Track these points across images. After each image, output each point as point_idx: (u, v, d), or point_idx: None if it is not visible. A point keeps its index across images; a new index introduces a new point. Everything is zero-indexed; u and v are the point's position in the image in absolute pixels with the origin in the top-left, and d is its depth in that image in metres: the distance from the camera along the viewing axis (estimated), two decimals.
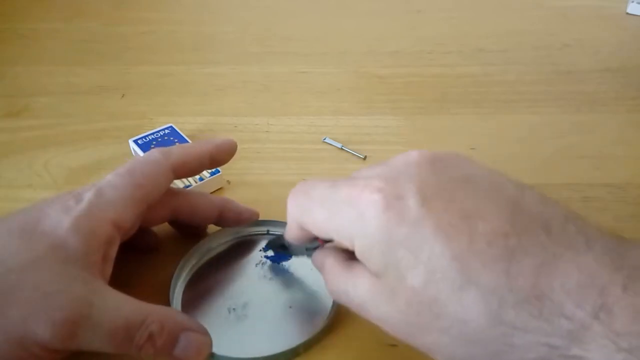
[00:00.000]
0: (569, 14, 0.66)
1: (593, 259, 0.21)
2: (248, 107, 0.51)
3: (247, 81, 0.54)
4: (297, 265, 0.36)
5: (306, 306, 0.33)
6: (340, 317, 0.32)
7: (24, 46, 0.60)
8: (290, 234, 0.30)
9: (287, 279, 0.35)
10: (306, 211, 0.28)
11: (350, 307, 0.27)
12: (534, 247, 0.22)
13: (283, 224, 0.37)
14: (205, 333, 0.28)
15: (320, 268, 0.30)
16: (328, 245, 0.31)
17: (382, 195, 0.24)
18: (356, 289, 0.26)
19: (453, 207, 0.23)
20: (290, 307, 0.33)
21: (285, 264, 0.36)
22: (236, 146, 0.36)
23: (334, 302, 0.33)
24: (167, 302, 0.33)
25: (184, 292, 0.34)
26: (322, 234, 0.27)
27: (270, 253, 0.36)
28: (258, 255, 0.36)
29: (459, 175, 0.25)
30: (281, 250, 0.35)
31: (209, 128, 0.48)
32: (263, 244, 0.37)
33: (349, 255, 0.28)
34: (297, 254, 0.35)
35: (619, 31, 0.62)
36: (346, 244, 0.26)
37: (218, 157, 0.35)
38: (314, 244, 0.32)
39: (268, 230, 0.38)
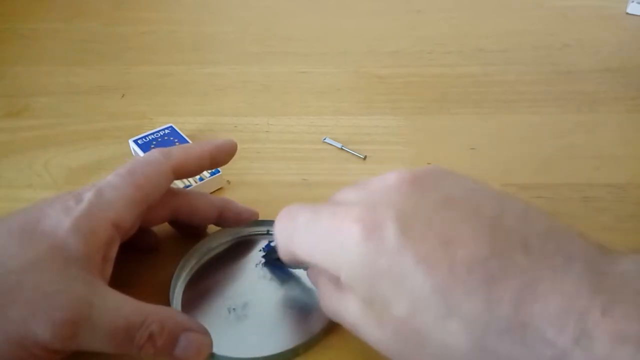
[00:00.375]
0: (569, 14, 0.66)
1: (571, 282, 0.21)
2: (248, 107, 0.51)
3: (247, 81, 0.54)
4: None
5: (306, 306, 0.33)
6: (340, 327, 0.32)
7: (24, 46, 0.60)
8: (283, 256, 0.30)
9: (287, 279, 0.35)
10: (292, 240, 0.28)
11: (344, 325, 0.27)
12: (514, 269, 0.22)
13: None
14: (206, 333, 0.28)
15: (314, 284, 0.31)
16: None
17: (362, 225, 0.24)
18: (348, 312, 0.26)
19: (432, 234, 0.23)
20: (290, 307, 0.33)
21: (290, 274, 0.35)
22: (236, 147, 0.36)
23: None
24: (167, 302, 0.33)
25: (184, 292, 0.34)
26: (309, 260, 0.28)
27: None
28: (258, 256, 0.36)
29: (437, 198, 0.25)
30: (277, 262, 0.35)
31: (209, 128, 0.48)
32: (263, 243, 0.37)
33: None
34: (292, 267, 0.35)
35: (619, 31, 0.62)
36: (332, 272, 0.26)
37: (218, 158, 0.35)
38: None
39: (268, 230, 0.38)
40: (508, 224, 0.23)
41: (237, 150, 0.36)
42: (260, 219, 0.37)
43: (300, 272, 0.35)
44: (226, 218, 0.36)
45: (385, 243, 0.23)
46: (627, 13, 0.65)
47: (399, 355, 0.25)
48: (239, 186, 0.43)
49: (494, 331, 0.21)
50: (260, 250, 0.37)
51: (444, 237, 0.23)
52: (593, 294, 0.21)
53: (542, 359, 0.21)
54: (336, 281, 0.27)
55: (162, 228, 0.37)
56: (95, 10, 0.67)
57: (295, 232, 0.28)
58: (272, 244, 0.37)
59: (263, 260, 0.36)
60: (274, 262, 0.35)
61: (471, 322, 0.22)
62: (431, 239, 0.23)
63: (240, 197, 0.38)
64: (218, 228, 0.37)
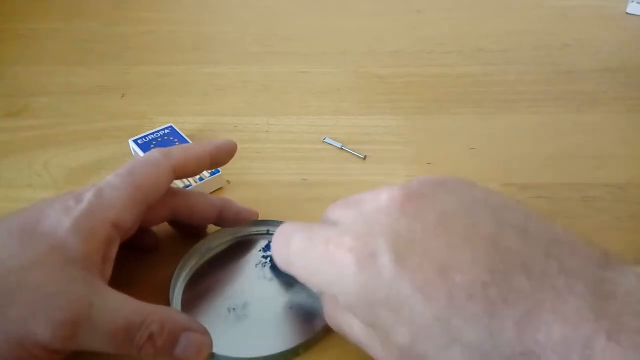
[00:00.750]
0: (569, 14, 0.66)
1: (575, 306, 0.21)
2: (248, 107, 0.51)
3: (247, 81, 0.54)
4: None
5: (306, 307, 0.33)
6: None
7: (24, 46, 0.60)
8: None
9: (287, 279, 0.35)
10: (288, 263, 0.29)
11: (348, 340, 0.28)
12: (515, 295, 0.21)
13: (282, 224, 0.37)
14: (206, 333, 0.28)
15: (320, 295, 0.31)
16: None
17: (355, 255, 0.24)
18: (352, 331, 0.26)
19: (428, 261, 0.23)
20: (291, 307, 0.33)
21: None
22: (236, 147, 0.36)
23: None
24: (167, 302, 0.33)
25: (184, 292, 0.34)
26: (309, 284, 0.28)
27: (270, 252, 0.36)
28: (258, 256, 0.36)
29: (431, 218, 0.24)
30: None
31: (209, 128, 0.48)
32: (263, 244, 0.37)
33: None
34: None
35: (619, 31, 0.62)
36: (332, 298, 0.26)
37: (218, 158, 0.35)
38: None
39: (268, 230, 0.38)
40: (507, 243, 0.23)
41: (237, 150, 0.36)
42: (260, 219, 0.37)
43: None
44: (226, 218, 0.36)
45: (381, 273, 0.23)
46: (627, 13, 0.65)
47: None
48: (239, 186, 0.43)
49: (497, 359, 0.21)
50: (260, 251, 0.37)
51: (441, 264, 0.22)
52: (597, 318, 0.20)
53: None
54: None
55: (162, 228, 0.37)
56: (95, 10, 0.67)
57: (290, 257, 0.28)
58: (272, 243, 0.37)
59: (269, 263, 0.36)
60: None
61: (474, 349, 0.21)
62: (427, 266, 0.22)
63: (240, 197, 0.38)
64: (218, 228, 0.37)
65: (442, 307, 0.22)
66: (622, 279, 0.22)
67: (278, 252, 0.30)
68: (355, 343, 0.27)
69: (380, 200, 0.26)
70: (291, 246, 0.28)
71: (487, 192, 0.26)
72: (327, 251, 0.25)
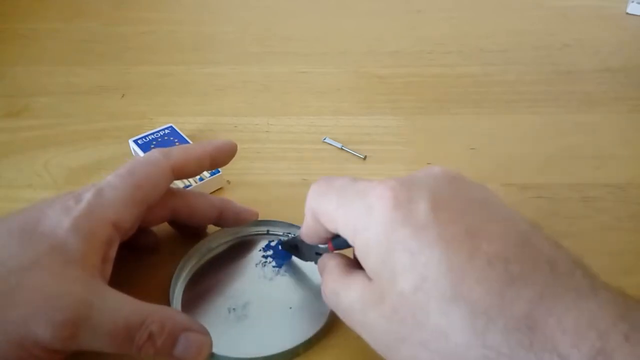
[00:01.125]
0: (569, 14, 0.66)
1: (596, 305, 0.20)
2: (248, 107, 0.51)
3: (247, 81, 0.54)
4: (298, 265, 0.36)
5: (306, 306, 0.33)
6: (339, 325, 0.32)
7: (24, 46, 0.60)
8: (305, 228, 0.30)
9: (288, 280, 0.35)
10: (322, 197, 0.28)
11: (337, 312, 0.28)
12: (536, 279, 0.21)
13: (283, 224, 0.37)
14: (206, 333, 0.28)
15: (321, 271, 0.30)
16: (336, 252, 0.31)
17: (394, 194, 0.24)
18: (348, 292, 0.26)
19: (461, 222, 0.23)
20: (290, 307, 0.33)
21: (286, 264, 0.36)
22: (236, 148, 0.36)
23: None
24: (167, 302, 0.33)
25: (184, 292, 0.34)
26: (330, 223, 0.28)
27: (270, 252, 0.36)
28: (258, 255, 0.36)
29: (475, 197, 0.25)
30: (293, 251, 0.35)
31: (209, 128, 0.48)
32: (263, 244, 0.37)
33: (351, 264, 0.28)
34: (307, 258, 0.35)
35: (619, 31, 0.62)
36: (349, 236, 0.26)
37: (218, 159, 0.35)
38: (324, 249, 0.32)
39: (268, 231, 0.38)
40: (538, 243, 0.23)
41: (237, 150, 0.36)
42: (260, 219, 0.37)
43: (300, 273, 0.35)
44: (226, 218, 0.36)
45: (413, 216, 0.23)
46: (627, 13, 0.65)
47: (387, 342, 0.24)
48: (239, 186, 0.43)
49: (499, 327, 0.21)
50: (260, 250, 0.37)
51: (473, 229, 0.23)
52: (617, 319, 0.20)
53: None
54: (346, 265, 0.28)
55: (162, 228, 0.37)
56: (95, 10, 0.67)
57: (328, 191, 0.28)
58: (272, 243, 0.37)
59: (266, 249, 0.36)
60: (290, 251, 0.36)
61: (477, 311, 0.21)
62: (459, 226, 0.23)
63: (240, 197, 0.38)
64: (218, 228, 0.37)
65: (460, 261, 0.22)
66: None
67: (316, 188, 0.29)
68: (342, 312, 0.27)
69: (433, 169, 0.27)
70: (334, 182, 0.28)
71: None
72: (368, 187, 0.25)
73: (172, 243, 0.38)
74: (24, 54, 0.59)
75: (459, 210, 0.24)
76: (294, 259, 0.36)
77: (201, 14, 0.67)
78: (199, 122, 0.49)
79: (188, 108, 0.51)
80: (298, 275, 0.35)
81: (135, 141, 0.44)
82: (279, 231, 0.38)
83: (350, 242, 0.27)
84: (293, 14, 0.67)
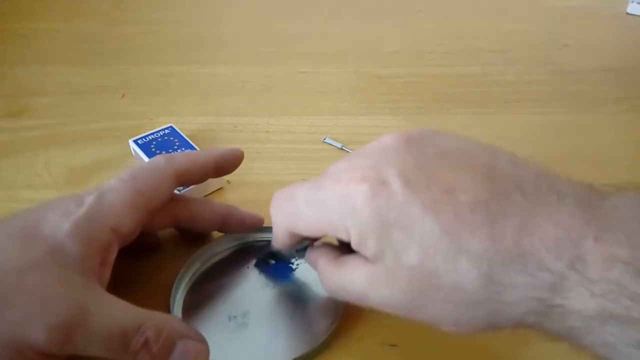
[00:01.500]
0: (569, 14, 0.66)
1: (567, 214, 0.23)
2: (248, 107, 0.51)
3: (247, 81, 0.54)
4: (301, 275, 0.35)
5: (308, 317, 0.32)
6: (341, 330, 0.32)
7: (24, 46, 0.60)
8: (280, 242, 0.30)
9: (290, 288, 0.34)
10: (295, 216, 0.28)
11: (349, 301, 0.28)
12: (513, 208, 0.24)
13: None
14: (203, 341, 0.28)
15: (314, 267, 0.30)
16: (317, 242, 0.31)
17: (368, 184, 0.25)
18: (353, 283, 0.27)
19: (434, 184, 0.25)
20: (292, 317, 0.32)
21: (290, 274, 0.35)
22: (242, 156, 0.36)
23: (335, 315, 0.32)
24: (167, 307, 0.32)
25: (186, 298, 0.33)
26: (315, 233, 0.28)
27: (272, 262, 0.36)
28: (262, 263, 0.36)
29: (433, 152, 0.26)
30: (271, 259, 0.35)
31: (209, 128, 0.48)
32: (268, 250, 0.36)
33: (339, 251, 0.29)
34: (286, 259, 0.35)
35: (619, 31, 0.62)
36: (342, 236, 0.26)
37: (223, 166, 0.35)
38: (303, 245, 0.32)
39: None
40: (501, 171, 0.25)
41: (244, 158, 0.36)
42: (265, 224, 0.37)
43: (303, 283, 0.35)
44: (230, 225, 0.36)
45: (393, 197, 0.24)
46: (627, 13, 0.65)
47: (411, 307, 0.25)
48: (239, 186, 0.43)
49: (499, 263, 0.23)
50: (257, 266, 0.36)
51: (446, 185, 0.24)
52: (586, 223, 0.23)
53: (543, 284, 0.22)
54: (336, 257, 0.28)
55: (165, 231, 0.37)
56: (95, 10, 0.67)
57: (297, 209, 0.28)
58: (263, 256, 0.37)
59: (257, 264, 0.36)
60: (267, 261, 0.35)
61: (478, 258, 0.23)
62: (434, 188, 0.24)
63: (240, 197, 0.38)
64: (223, 234, 0.37)
65: (449, 221, 0.24)
66: (607, 198, 0.24)
67: (281, 210, 0.29)
68: (356, 298, 0.27)
69: (384, 141, 0.28)
70: (296, 198, 0.28)
71: (476, 139, 0.28)
72: (339, 187, 0.26)
73: (175, 246, 0.37)
74: (24, 54, 0.59)
75: (427, 173, 0.25)
76: (296, 272, 0.35)
77: (201, 14, 0.67)
78: (199, 122, 0.49)
79: (188, 108, 0.51)
80: (301, 283, 0.34)
81: (135, 141, 0.44)
82: None
83: (345, 240, 0.27)
84: (293, 14, 0.67)
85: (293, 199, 0.28)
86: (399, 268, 0.25)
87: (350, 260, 0.27)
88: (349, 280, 0.27)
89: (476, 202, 0.24)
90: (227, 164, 0.35)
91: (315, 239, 0.31)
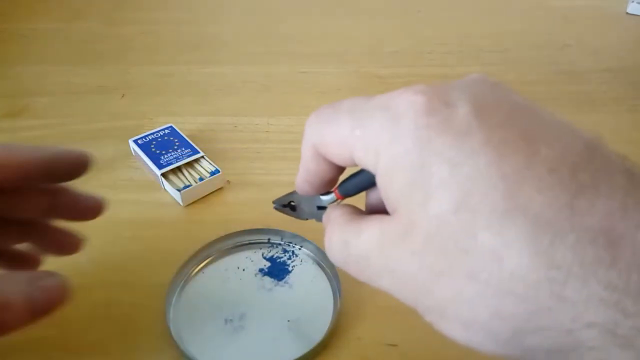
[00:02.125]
0: (569, 14, 0.66)
1: None
2: (248, 107, 0.51)
3: (247, 81, 0.54)
4: (297, 277, 0.35)
5: (304, 321, 0.32)
6: (341, 330, 0.32)
7: (24, 46, 0.60)
8: (304, 173, 0.25)
9: (287, 291, 0.34)
10: (329, 123, 0.22)
11: (346, 265, 0.22)
12: (613, 190, 0.17)
13: (285, 233, 0.37)
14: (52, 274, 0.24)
15: (326, 224, 0.24)
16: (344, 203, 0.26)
17: (427, 97, 0.19)
18: (359, 237, 0.21)
19: (511, 126, 0.18)
20: (289, 320, 0.32)
21: (286, 276, 0.35)
22: (89, 162, 0.29)
23: (332, 318, 0.32)
24: (163, 307, 0.32)
25: (181, 299, 0.33)
26: (342, 152, 0.22)
27: (268, 264, 0.36)
28: (258, 265, 0.36)
29: (524, 104, 0.20)
30: (288, 209, 0.30)
31: (209, 128, 0.48)
32: (264, 252, 0.36)
33: (362, 212, 0.24)
34: (307, 216, 0.29)
35: (619, 31, 0.62)
36: (369, 161, 0.20)
37: (57, 170, 0.28)
38: (326, 200, 0.27)
39: (269, 239, 0.37)
40: (607, 152, 0.19)
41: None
42: (261, 225, 0.37)
43: (300, 285, 0.34)
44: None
45: (452, 120, 0.18)
46: (627, 13, 0.65)
47: (418, 284, 0.19)
48: (239, 186, 0.43)
49: (570, 242, 0.17)
50: (257, 266, 0.35)
51: (526, 132, 0.18)
52: None
53: (633, 288, 0.16)
54: (355, 213, 0.23)
55: (162, 236, 0.37)
56: (95, 10, 0.67)
57: (336, 115, 0.22)
58: (265, 255, 0.36)
59: (266, 265, 0.35)
60: (285, 210, 0.30)
61: (540, 224, 0.17)
62: (510, 128, 0.18)
63: (240, 197, 0.38)
64: (220, 235, 0.37)
65: (515, 168, 0.17)
66: None
67: (318, 116, 0.23)
68: (354, 263, 0.22)
69: (469, 76, 0.22)
70: (341, 105, 0.22)
71: None
72: (389, 96, 0.20)
73: (170, 248, 0.37)
74: (24, 54, 0.59)
75: (507, 114, 0.19)
76: (292, 273, 0.35)
77: (201, 14, 0.67)
78: (199, 122, 0.49)
79: (188, 108, 0.51)
80: (298, 286, 0.34)
81: (135, 141, 0.44)
82: (279, 240, 0.37)
83: (371, 169, 0.21)
84: (293, 14, 0.67)
85: (336, 106, 0.22)
86: (421, 218, 0.18)
87: (367, 219, 0.21)
88: (355, 233, 0.21)
89: (561, 162, 0.17)
90: (65, 167, 0.28)
91: (340, 171, 0.25)
